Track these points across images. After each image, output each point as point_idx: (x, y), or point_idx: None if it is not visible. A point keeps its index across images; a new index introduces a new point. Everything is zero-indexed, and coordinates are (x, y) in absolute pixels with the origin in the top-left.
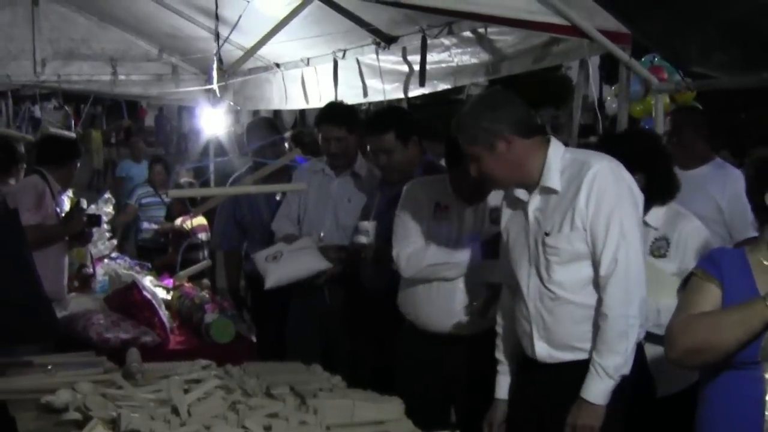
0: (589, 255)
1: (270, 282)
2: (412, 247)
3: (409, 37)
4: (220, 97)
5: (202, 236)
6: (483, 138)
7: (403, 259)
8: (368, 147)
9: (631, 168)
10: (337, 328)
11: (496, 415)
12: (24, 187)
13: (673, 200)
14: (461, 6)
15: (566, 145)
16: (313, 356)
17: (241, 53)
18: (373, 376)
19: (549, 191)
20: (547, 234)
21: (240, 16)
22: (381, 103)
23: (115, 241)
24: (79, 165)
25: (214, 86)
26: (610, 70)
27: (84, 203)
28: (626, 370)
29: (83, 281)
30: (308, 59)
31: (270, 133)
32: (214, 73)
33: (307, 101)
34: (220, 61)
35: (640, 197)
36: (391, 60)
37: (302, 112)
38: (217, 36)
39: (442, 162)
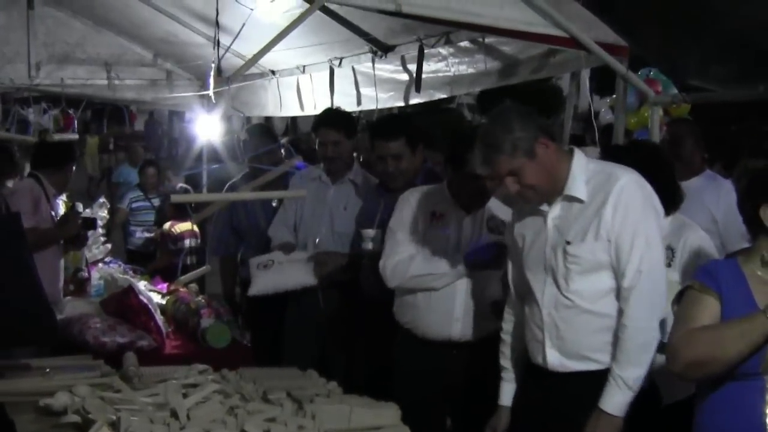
0: (609, 265)
1: (253, 289)
2: (397, 258)
3: (406, 46)
4: (216, 103)
5: (191, 242)
6: (523, 145)
7: (388, 269)
8: (375, 153)
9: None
10: (332, 334)
11: (500, 422)
12: (20, 190)
13: (678, 210)
14: (462, 17)
15: None
16: (308, 362)
17: (237, 60)
18: (369, 382)
19: (573, 200)
20: (568, 243)
21: (243, 25)
22: (372, 111)
23: (109, 246)
24: (74, 169)
25: (210, 92)
26: (600, 80)
27: (80, 207)
28: (644, 381)
29: (79, 285)
30: (304, 67)
31: (267, 139)
32: (211, 80)
33: (301, 108)
34: (219, 68)
35: (661, 211)
36: (387, 69)
37: (293, 119)
38: (217, 43)
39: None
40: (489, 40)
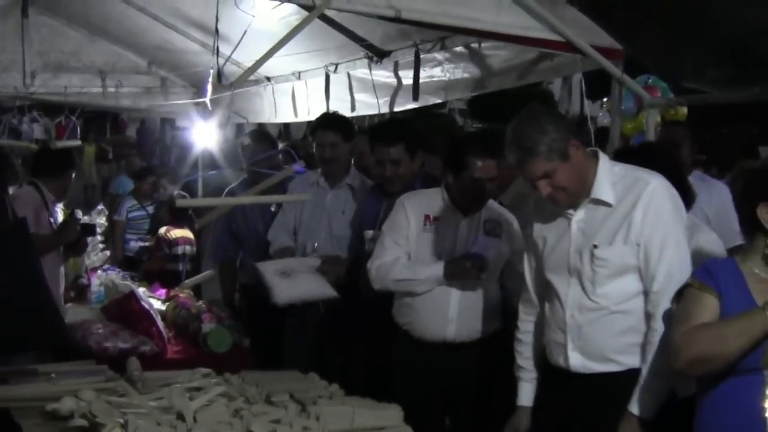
0: (636, 269)
1: (282, 299)
2: (381, 261)
3: (402, 51)
4: (212, 110)
5: (186, 248)
6: (558, 147)
7: (372, 271)
8: (375, 157)
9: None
10: (332, 337)
11: (521, 422)
12: (20, 198)
13: (690, 211)
14: (460, 22)
15: None
16: (309, 366)
17: (233, 67)
18: (369, 384)
19: (599, 203)
20: (595, 246)
21: (245, 32)
22: (364, 117)
23: (108, 252)
24: (73, 176)
25: (207, 99)
26: (592, 85)
27: (79, 213)
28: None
29: (79, 292)
30: (299, 73)
31: (267, 144)
32: (209, 87)
33: (296, 115)
34: (219, 76)
35: (685, 214)
36: (382, 74)
37: (286, 126)
38: (217, 51)
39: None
40: (484, 45)
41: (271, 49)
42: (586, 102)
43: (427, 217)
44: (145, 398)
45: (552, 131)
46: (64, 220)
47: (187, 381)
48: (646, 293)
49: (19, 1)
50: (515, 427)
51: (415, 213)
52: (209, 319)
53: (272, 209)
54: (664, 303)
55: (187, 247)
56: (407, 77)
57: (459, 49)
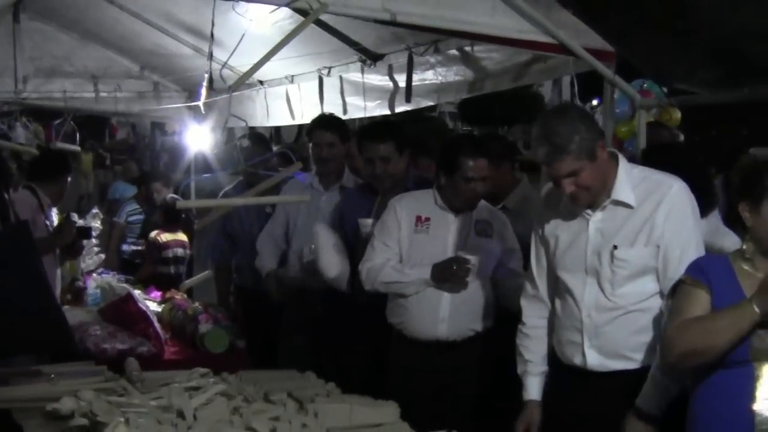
0: (654, 270)
1: (332, 273)
2: (370, 264)
3: (395, 54)
4: (206, 114)
5: (177, 251)
6: (587, 147)
7: (363, 273)
8: (364, 155)
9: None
10: (328, 337)
11: (532, 417)
12: (18, 202)
13: (713, 212)
14: (455, 25)
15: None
16: (305, 365)
17: (226, 71)
18: (364, 384)
19: (620, 204)
20: (615, 247)
21: (242, 37)
22: (355, 120)
23: (103, 256)
24: (69, 180)
25: (200, 103)
26: (583, 87)
27: (74, 216)
28: None
29: (76, 294)
30: (292, 77)
31: (263, 147)
32: (203, 90)
33: (292, 117)
34: (211, 80)
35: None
36: (375, 78)
37: (277, 129)
38: (211, 55)
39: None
40: (476, 48)
41: (269, 52)
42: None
43: (418, 218)
44: (145, 398)
45: (584, 130)
46: (60, 223)
47: (186, 381)
48: (662, 293)
49: (10, 7)
50: (527, 422)
51: (406, 214)
52: (206, 320)
53: (267, 211)
54: None
55: (179, 250)
56: (400, 80)
57: (452, 52)
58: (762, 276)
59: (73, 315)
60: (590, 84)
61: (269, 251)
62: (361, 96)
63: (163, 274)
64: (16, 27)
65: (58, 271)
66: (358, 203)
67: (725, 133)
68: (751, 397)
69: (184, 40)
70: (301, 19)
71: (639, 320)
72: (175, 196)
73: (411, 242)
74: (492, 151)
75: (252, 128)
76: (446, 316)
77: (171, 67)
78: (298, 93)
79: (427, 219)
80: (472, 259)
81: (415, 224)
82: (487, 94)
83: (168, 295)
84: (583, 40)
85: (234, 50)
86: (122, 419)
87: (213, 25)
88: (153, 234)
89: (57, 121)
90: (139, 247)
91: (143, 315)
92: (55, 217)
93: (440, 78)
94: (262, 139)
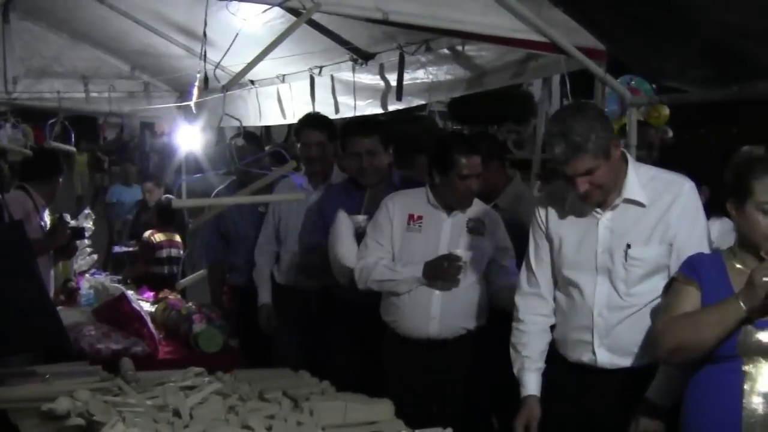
0: (666, 268)
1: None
2: (363, 262)
3: (387, 53)
4: (197, 114)
5: (171, 251)
6: (603, 146)
7: (356, 272)
8: (349, 150)
9: (698, 181)
10: (321, 336)
11: (532, 413)
12: (12, 202)
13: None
14: (446, 24)
15: (531, 161)
16: (298, 365)
17: (217, 70)
18: (358, 383)
19: (631, 203)
20: (629, 246)
21: (235, 37)
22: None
23: (95, 256)
24: (63, 187)
25: (192, 103)
26: (572, 87)
27: (67, 217)
28: None
29: (69, 295)
30: (284, 76)
31: (256, 146)
32: (195, 90)
33: (284, 117)
34: (206, 79)
35: None
36: (366, 77)
37: (267, 129)
38: (204, 55)
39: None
40: (467, 47)
41: (263, 51)
42: (565, 104)
43: (411, 216)
44: (140, 397)
45: (600, 129)
46: (54, 224)
47: (181, 380)
48: None
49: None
50: (527, 417)
51: (399, 212)
52: (200, 319)
53: (261, 210)
54: None
55: (173, 250)
56: (391, 79)
57: (443, 51)
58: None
59: (67, 315)
60: (577, 83)
61: (267, 274)
62: (351, 95)
63: (157, 274)
64: (5, 27)
65: (52, 272)
66: (339, 200)
67: (715, 131)
68: (739, 392)
69: (175, 40)
70: (292, 18)
71: (648, 318)
72: (170, 196)
73: (403, 240)
74: (482, 149)
75: (243, 128)
76: (437, 314)
77: (161, 67)
78: (289, 92)
79: (420, 217)
80: (464, 256)
81: (407, 222)
82: (476, 94)
83: (161, 295)
84: (575, 39)
85: (227, 50)
86: (119, 418)
87: (206, 24)
88: (147, 234)
89: (51, 121)
90: (130, 248)
91: (137, 315)
92: (47, 218)
93: (431, 77)
94: (254, 138)
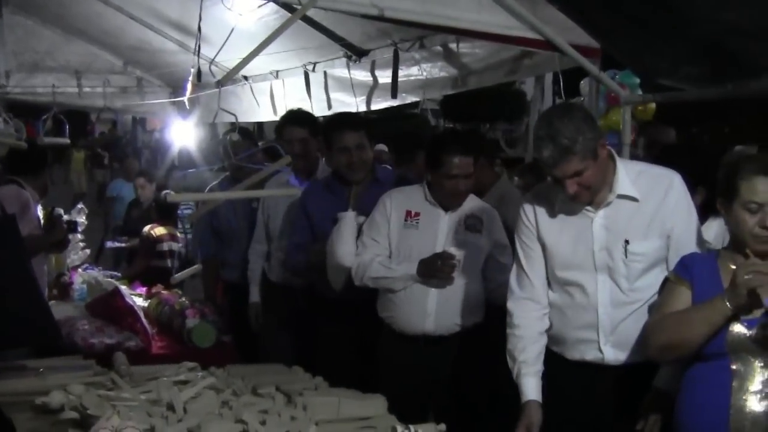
0: (664, 260)
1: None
2: (360, 260)
3: (381, 50)
4: (190, 109)
5: (172, 246)
6: (591, 147)
7: (353, 269)
8: (338, 145)
9: (694, 181)
10: (311, 333)
11: (533, 418)
12: (7, 197)
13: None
14: (441, 21)
15: (523, 159)
16: (290, 361)
17: (214, 67)
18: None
19: (625, 199)
20: (627, 241)
21: (230, 32)
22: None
23: (88, 251)
24: (56, 176)
25: (185, 98)
26: (564, 85)
27: (61, 211)
28: None
29: (62, 289)
30: (277, 72)
31: (250, 142)
32: (189, 85)
33: (275, 113)
34: (199, 74)
35: None
36: (360, 73)
37: (260, 125)
38: (198, 50)
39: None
40: (461, 44)
41: (258, 46)
42: (557, 102)
43: (408, 212)
44: (134, 391)
45: (587, 130)
46: (50, 219)
47: (174, 375)
48: None
49: None
50: (527, 424)
51: (396, 209)
52: (193, 314)
53: (254, 206)
54: None
55: (173, 244)
56: (385, 76)
57: (436, 48)
58: None
59: (60, 310)
60: (571, 82)
61: (258, 273)
62: (345, 92)
63: (158, 267)
64: None
65: (45, 266)
66: (323, 196)
67: (707, 130)
68: (728, 390)
69: (169, 35)
70: (287, 14)
71: (648, 311)
72: (169, 192)
73: (400, 237)
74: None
75: (232, 124)
76: (433, 310)
77: (154, 63)
78: (282, 88)
79: (417, 214)
80: (458, 254)
81: (404, 219)
82: (469, 92)
83: (154, 290)
84: (569, 37)
85: (222, 46)
86: (114, 411)
87: (200, 19)
88: (147, 228)
89: (44, 117)
90: (123, 244)
91: (130, 310)
92: (40, 212)
93: (425, 74)
94: (248, 133)
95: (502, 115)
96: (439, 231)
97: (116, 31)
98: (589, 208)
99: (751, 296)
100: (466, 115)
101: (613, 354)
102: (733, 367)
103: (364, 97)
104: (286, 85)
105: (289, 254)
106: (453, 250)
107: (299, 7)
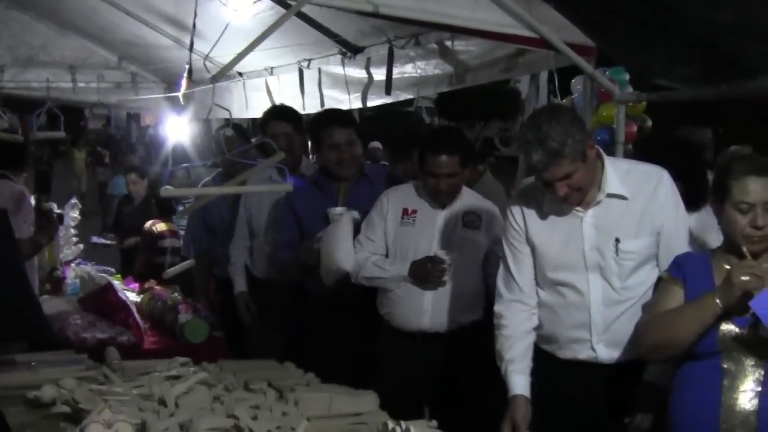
0: (655, 257)
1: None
2: (355, 258)
3: (375, 47)
4: (185, 105)
5: (174, 242)
6: (580, 149)
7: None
8: (328, 142)
9: (673, 176)
10: (301, 329)
11: (519, 413)
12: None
13: (705, 206)
14: (437, 18)
15: (517, 158)
16: (280, 357)
17: (208, 62)
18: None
19: (614, 197)
20: (618, 240)
21: (225, 28)
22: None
23: (81, 246)
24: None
25: (180, 94)
26: (559, 83)
27: (54, 206)
28: None
29: (55, 284)
30: (272, 68)
31: (243, 138)
32: (183, 81)
33: None
34: (190, 70)
35: None
36: (355, 70)
37: (254, 121)
38: (191, 46)
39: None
40: (456, 42)
41: (253, 42)
42: (554, 100)
43: (405, 210)
44: (126, 386)
45: (576, 132)
46: (45, 215)
47: (166, 370)
48: None
49: None
50: (513, 418)
51: (393, 206)
52: (186, 310)
53: None
54: None
55: (175, 241)
56: (379, 73)
57: (431, 45)
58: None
59: (53, 304)
60: (565, 80)
61: (241, 266)
62: (339, 88)
63: (158, 263)
64: None
65: (36, 260)
66: (312, 193)
67: (695, 129)
68: (718, 388)
69: (163, 31)
70: (282, 10)
71: (640, 309)
72: (169, 187)
73: (397, 234)
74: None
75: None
76: (429, 307)
77: (149, 58)
78: (277, 85)
79: (414, 211)
80: (447, 258)
81: (401, 216)
82: (464, 90)
83: (146, 285)
84: (565, 35)
85: (217, 41)
86: (106, 405)
87: (195, 15)
88: (148, 224)
89: (37, 112)
90: (108, 242)
91: (123, 304)
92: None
93: (420, 71)
94: (241, 130)
95: (497, 114)
96: (436, 228)
97: (111, 27)
98: (578, 208)
99: (743, 297)
100: (461, 112)
101: (606, 352)
102: (725, 365)
103: (359, 94)
104: (281, 81)
105: (277, 252)
106: (443, 254)
107: (294, 3)
